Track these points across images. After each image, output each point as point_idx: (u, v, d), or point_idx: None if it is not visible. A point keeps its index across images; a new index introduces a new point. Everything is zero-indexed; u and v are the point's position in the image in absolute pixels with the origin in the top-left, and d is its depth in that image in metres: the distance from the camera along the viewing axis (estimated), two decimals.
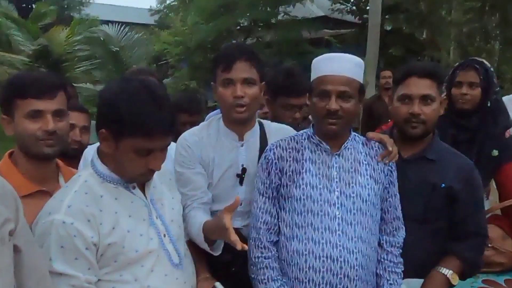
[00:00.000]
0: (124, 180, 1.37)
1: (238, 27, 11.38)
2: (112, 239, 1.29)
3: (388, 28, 9.87)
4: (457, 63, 2.37)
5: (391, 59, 9.40)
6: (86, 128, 2.28)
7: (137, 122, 1.25)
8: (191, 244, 1.58)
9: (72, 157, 2.12)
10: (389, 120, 4.62)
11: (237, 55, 1.65)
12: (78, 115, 2.24)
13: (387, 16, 9.46)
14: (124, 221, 1.33)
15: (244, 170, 1.73)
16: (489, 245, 2.08)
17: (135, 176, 1.37)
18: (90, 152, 1.97)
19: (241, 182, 1.74)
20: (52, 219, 1.24)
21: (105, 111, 1.30)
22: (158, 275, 1.36)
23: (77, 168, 2.08)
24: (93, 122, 2.74)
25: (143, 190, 1.42)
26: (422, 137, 1.82)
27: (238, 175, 1.73)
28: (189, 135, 1.77)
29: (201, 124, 1.85)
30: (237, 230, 1.71)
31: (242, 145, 1.76)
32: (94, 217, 1.27)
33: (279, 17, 10.93)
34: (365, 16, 9.73)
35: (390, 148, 1.68)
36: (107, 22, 10.55)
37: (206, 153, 1.73)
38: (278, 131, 1.83)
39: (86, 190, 1.32)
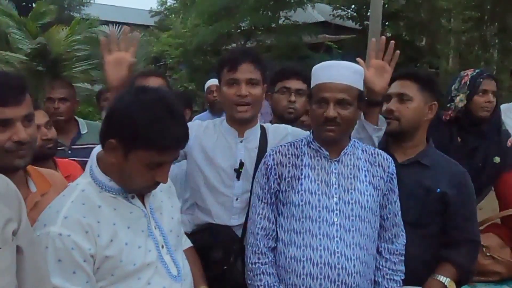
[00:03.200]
0: (125, 190, 1.32)
1: (239, 31, 11.39)
2: (110, 252, 1.24)
3: (388, 35, 9.91)
4: (472, 72, 2.38)
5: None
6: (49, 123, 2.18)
7: (154, 136, 1.20)
8: (188, 254, 1.57)
9: (47, 157, 2.00)
10: None
11: (242, 57, 1.75)
12: (37, 113, 2.19)
13: (387, 23, 9.50)
14: (123, 233, 1.28)
15: (241, 164, 1.76)
16: (487, 254, 2.08)
17: (140, 188, 1.32)
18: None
19: (238, 177, 1.76)
20: (48, 231, 1.19)
21: (119, 121, 1.23)
22: None
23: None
24: (92, 123, 2.73)
25: (142, 199, 1.37)
26: (399, 134, 1.87)
27: (235, 170, 1.76)
28: (194, 122, 1.87)
29: (207, 120, 1.94)
30: (230, 229, 1.76)
31: (241, 141, 1.80)
32: (91, 229, 1.22)
33: (280, 22, 10.96)
34: (366, 22, 9.77)
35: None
36: (107, 23, 10.54)
37: (205, 141, 1.80)
38: (275, 129, 1.89)
39: (83, 201, 1.26)
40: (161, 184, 1.38)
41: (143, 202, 1.37)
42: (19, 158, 1.29)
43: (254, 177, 1.74)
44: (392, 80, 1.91)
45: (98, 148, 1.97)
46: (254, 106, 1.76)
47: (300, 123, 2.31)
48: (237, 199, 1.77)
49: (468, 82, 2.31)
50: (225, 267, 1.70)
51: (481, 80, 2.30)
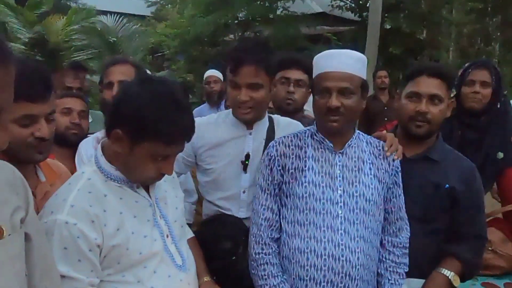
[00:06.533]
0: (130, 180, 1.33)
1: (236, 21, 11.29)
2: (117, 241, 1.25)
3: (388, 26, 9.83)
4: (468, 63, 2.36)
5: (390, 58, 9.38)
6: (84, 113, 2.22)
7: (161, 128, 1.21)
8: (191, 244, 1.57)
9: (72, 143, 2.07)
10: (386, 119, 4.63)
11: (244, 58, 1.66)
12: (74, 100, 2.20)
13: (387, 15, 9.42)
14: (129, 222, 1.29)
15: (247, 156, 1.74)
16: (489, 248, 2.08)
17: (145, 179, 1.33)
18: (85, 147, 1.94)
19: (245, 170, 1.75)
20: (54, 219, 1.20)
21: (126, 112, 1.23)
22: (161, 277, 1.33)
23: (73, 155, 2.02)
24: (96, 113, 2.71)
25: (147, 189, 1.37)
26: (425, 137, 1.81)
27: (242, 162, 1.75)
28: (199, 119, 1.79)
29: (213, 114, 1.91)
30: (239, 220, 1.76)
31: (250, 133, 1.79)
32: (98, 218, 1.23)
33: (278, 12, 10.86)
34: (365, 13, 9.69)
35: (393, 147, 1.68)
36: (104, 12, 10.44)
37: (209, 136, 1.76)
38: (287, 125, 1.86)
39: (89, 189, 1.27)
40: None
41: (148, 192, 1.37)
42: (39, 153, 1.32)
43: None
44: (415, 73, 1.81)
45: (87, 140, 2.00)
46: (257, 109, 1.72)
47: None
48: (244, 192, 1.77)
49: (459, 73, 2.30)
50: (234, 257, 1.70)
51: (470, 70, 2.28)
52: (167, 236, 1.38)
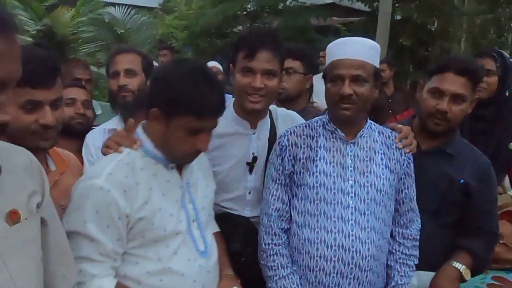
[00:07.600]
0: (168, 158, 1.38)
1: (245, 12, 11.21)
2: (144, 213, 1.30)
3: (398, 17, 9.70)
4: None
5: (401, 49, 9.26)
6: (88, 102, 2.22)
7: (191, 101, 1.27)
8: (216, 238, 1.55)
9: (78, 132, 2.06)
10: (390, 111, 4.55)
11: (261, 44, 1.59)
12: (77, 90, 2.19)
13: (397, 5, 9.29)
14: (157, 198, 1.34)
15: (254, 158, 1.71)
16: (500, 241, 2.05)
17: (182, 156, 1.38)
18: (93, 138, 1.93)
19: (250, 171, 1.71)
20: (92, 183, 1.26)
21: (160, 90, 1.32)
22: (181, 259, 1.36)
23: (80, 146, 2.02)
24: (104, 104, 2.71)
25: (180, 172, 1.42)
26: (442, 134, 1.78)
27: (248, 164, 1.71)
28: None
29: None
30: (247, 220, 1.73)
31: (254, 133, 1.74)
32: (130, 189, 1.29)
33: (287, 3, 10.77)
34: (376, 3, 9.57)
35: (407, 140, 1.65)
36: (112, 4, 10.46)
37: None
38: (285, 117, 1.83)
39: (128, 161, 1.34)
40: (199, 163, 1.47)
41: (180, 176, 1.42)
42: (45, 141, 1.32)
43: (266, 169, 1.70)
44: (442, 69, 1.75)
45: (94, 131, 2.01)
46: (268, 98, 1.65)
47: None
48: (249, 193, 1.74)
49: None
50: (243, 259, 1.68)
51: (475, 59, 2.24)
52: (193, 221, 1.41)
